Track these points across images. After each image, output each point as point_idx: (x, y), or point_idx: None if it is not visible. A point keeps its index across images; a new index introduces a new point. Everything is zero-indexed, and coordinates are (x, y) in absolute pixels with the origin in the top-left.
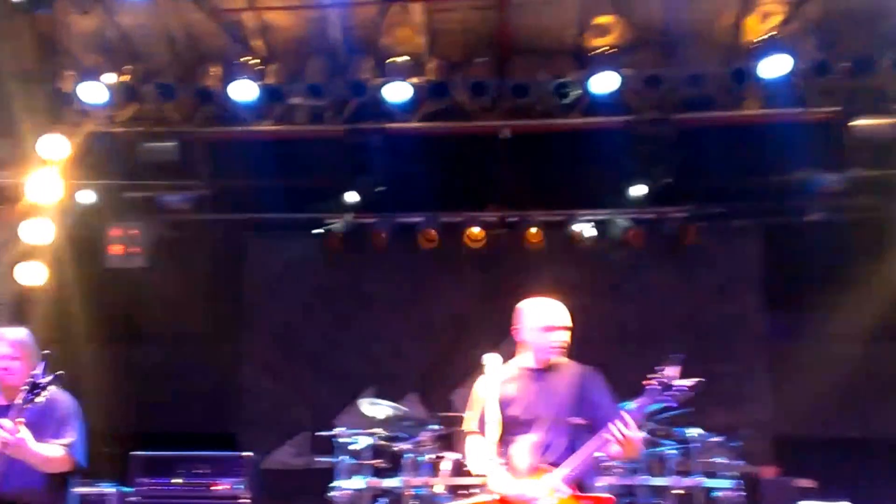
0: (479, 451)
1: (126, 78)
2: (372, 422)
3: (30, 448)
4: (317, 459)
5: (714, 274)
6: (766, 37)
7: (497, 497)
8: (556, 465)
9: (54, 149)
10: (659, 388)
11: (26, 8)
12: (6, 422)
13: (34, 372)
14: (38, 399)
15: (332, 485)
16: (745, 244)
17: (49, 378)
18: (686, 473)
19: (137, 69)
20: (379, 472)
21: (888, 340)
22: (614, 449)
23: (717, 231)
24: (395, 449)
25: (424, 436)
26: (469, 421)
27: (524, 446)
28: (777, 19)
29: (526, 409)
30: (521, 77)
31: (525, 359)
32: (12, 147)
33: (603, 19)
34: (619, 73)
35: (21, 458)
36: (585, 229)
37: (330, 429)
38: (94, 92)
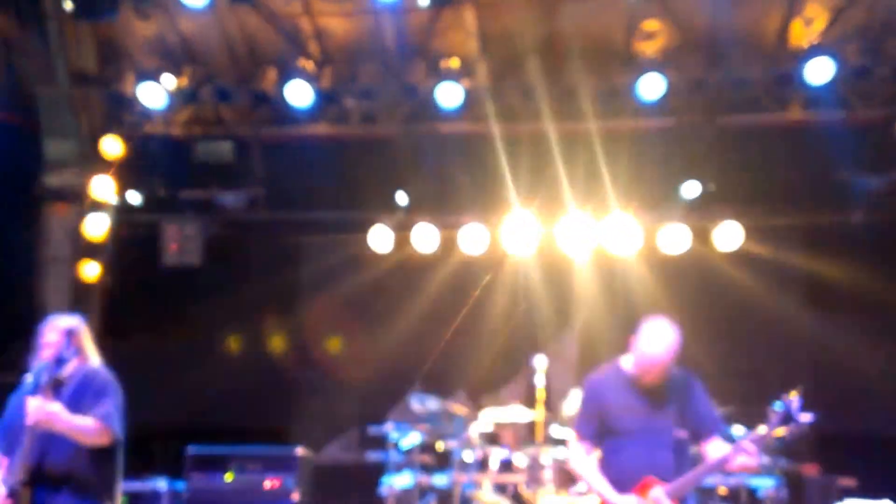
0: (583, 457)
1: (184, 81)
2: (421, 418)
3: (63, 420)
4: (366, 455)
5: (758, 276)
6: (810, 42)
7: None
8: (660, 479)
9: (113, 149)
10: (779, 416)
11: (92, 16)
12: (35, 400)
13: (61, 350)
14: (61, 373)
15: (381, 481)
16: (787, 244)
17: (72, 352)
18: (730, 472)
19: (196, 72)
20: (427, 469)
21: None
22: (730, 468)
23: (760, 232)
24: (444, 445)
25: (472, 432)
26: (576, 424)
27: (628, 458)
28: (821, 24)
29: (631, 419)
30: (570, 80)
31: (631, 365)
32: (73, 147)
33: (651, 24)
34: (665, 76)
35: (57, 431)
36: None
37: (380, 424)
38: (154, 94)
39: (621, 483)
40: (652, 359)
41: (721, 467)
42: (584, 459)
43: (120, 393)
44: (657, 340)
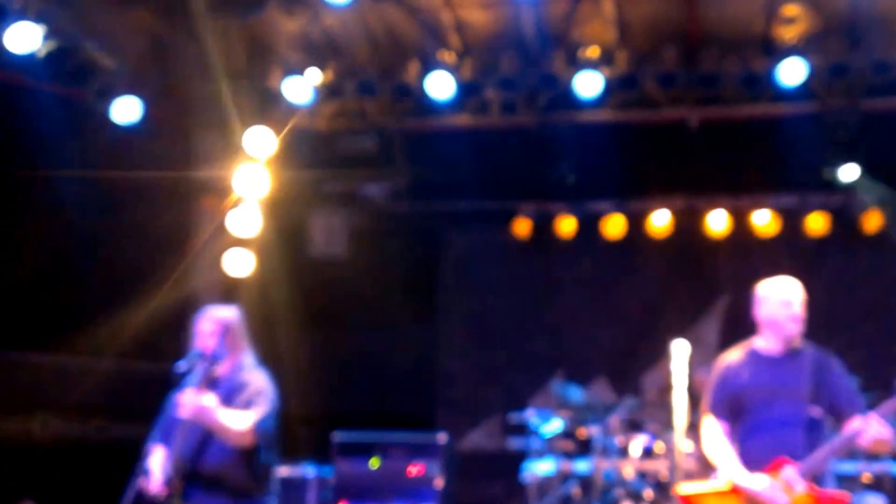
0: (714, 435)
1: (329, 75)
2: (562, 405)
3: (213, 415)
4: (509, 442)
5: None
6: None
7: (729, 486)
8: (793, 458)
9: (261, 143)
10: None
11: (239, 13)
12: (188, 393)
13: (217, 347)
14: (213, 372)
15: (523, 467)
16: None
17: (226, 349)
18: (874, 458)
19: (339, 67)
20: (569, 455)
21: None
22: (863, 443)
23: None
24: (585, 432)
25: (613, 419)
26: (706, 402)
27: (760, 437)
28: None
29: (763, 397)
30: (709, 67)
31: (764, 341)
32: (222, 141)
33: (790, 9)
34: (806, 62)
35: (206, 424)
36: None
37: (521, 411)
38: (299, 89)
39: (754, 463)
40: (777, 318)
41: (852, 442)
42: (716, 439)
43: (274, 394)
44: (777, 297)
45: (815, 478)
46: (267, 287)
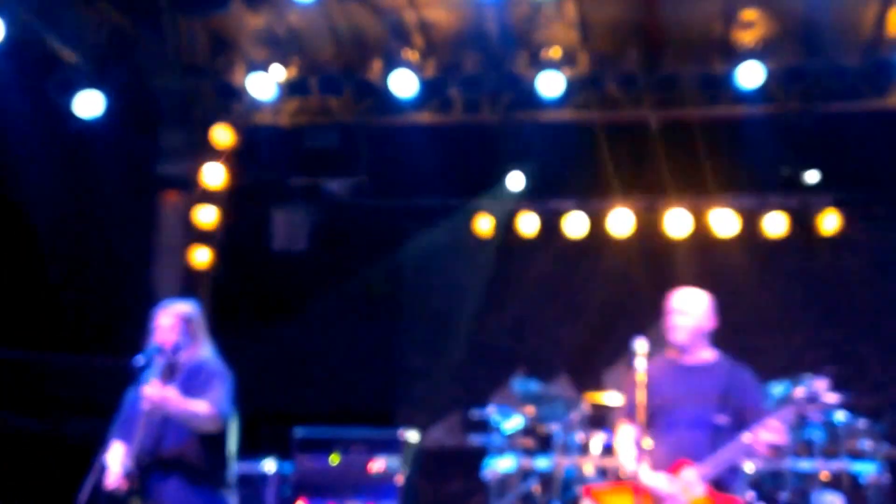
0: (624, 438)
1: (292, 72)
2: (523, 401)
3: (177, 404)
4: (469, 438)
5: (857, 259)
6: None
7: (632, 485)
8: (695, 461)
9: (223, 138)
10: (805, 399)
11: (203, 9)
12: (150, 384)
13: (178, 339)
14: (178, 364)
15: (483, 464)
16: (887, 230)
17: (188, 340)
18: (832, 456)
19: (303, 63)
20: (529, 452)
21: None
22: (759, 448)
23: (861, 217)
24: (546, 429)
25: (574, 416)
26: (620, 407)
27: (667, 440)
28: None
29: (670, 402)
30: (669, 69)
31: (671, 349)
32: (185, 137)
33: (748, 13)
34: (764, 65)
35: (171, 414)
36: None
37: (482, 408)
38: (262, 85)
39: (660, 464)
40: (679, 327)
41: (749, 447)
42: (626, 442)
43: (231, 381)
44: (668, 307)
45: (720, 481)
46: (228, 282)
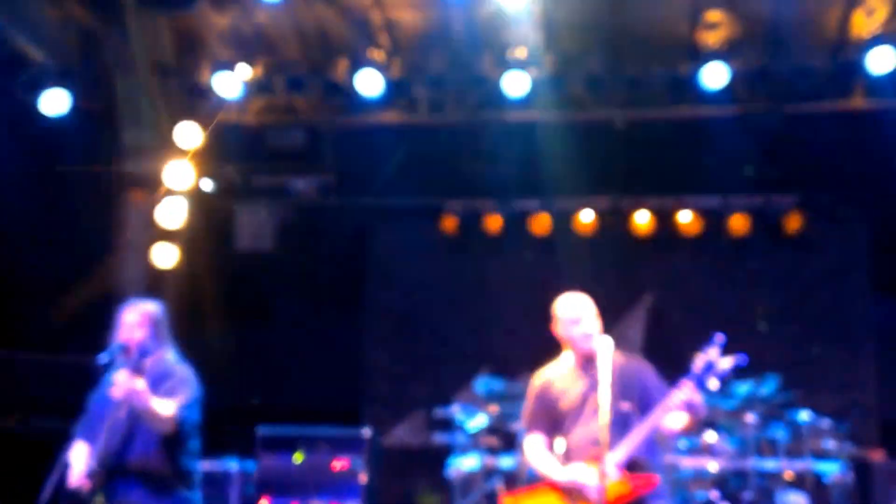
0: (534, 447)
1: (258, 71)
2: (488, 400)
3: (146, 399)
4: (434, 437)
5: (821, 260)
6: (872, 32)
7: (547, 485)
8: (609, 450)
9: (189, 137)
10: (702, 368)
11: (169, 8)
12: (121, 374)
13: (146, 339)
14: (145, 364)
15: (447, 463)
16: (851, 231)
17: (161, 346)
18: (796, 456)
19: (269, 62)
20: (493, 451)
21: None
22: (674, 421)
23: (824, 218)
24: (510, 428)
25: None
26: (525, 417)
27: (576, 438)
28: (882, 15)
29: (577, 400)
30: (634, 70)
31: (568, 353)
32: (150, 135)
33: (713, 14)
34: (729, 66)
35: (135, 406)
36: None
37: (447, 407)
38: (229, 84)
39: (576, 459)
40: (571, 337)
41: (660, 420)
42: (536, 450)
43: (197, 386)
44: (567, 316)
45: (636, 462)
46: (193, 280)
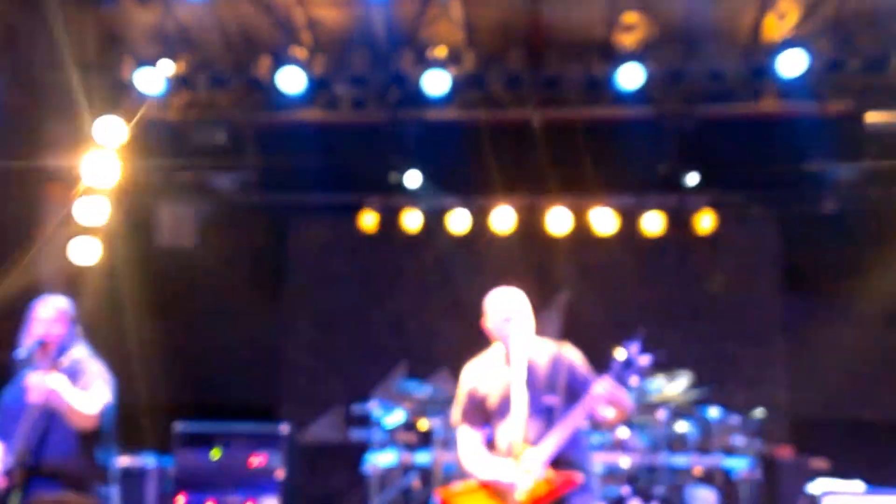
0: (466, 442)
1: (181, 67)
2: (405, 397)
3: (62, 396)
4: (351, 433)
5: (733, 259)
6: (783, 36)
7: (478, 482)
8: (533, 444)
9: (111, 132)
10: (621, 363)
11: (92, 3)
12: (35, 375)
13: (63, 335)
14: (62, 361)
15: (365, 459)
16: (763, 231)
17: (75, 342)
18: (705, 452)
19: (192, 59)
20: (410, 447)
21: None
22: (602, 413)
23: (736, 218)
24: (427, 424)
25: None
26: (455, 413)
27: (504, 432)
28: (794, 18)
29: (504, 395)
30: (552, 70)
31: (497, 347)
32: (71, 130)
33: (630, 16)
34: (644, 67)
35: (53, 404)
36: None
37: (365, 403)
38: (151, 80)
39: (504, 454)
40: (500, 332)
41: (582, 414)
42: (468, 445)
43: (111, 381)
44: (497, 311)
45: (562, 458)
46: (114, 276)
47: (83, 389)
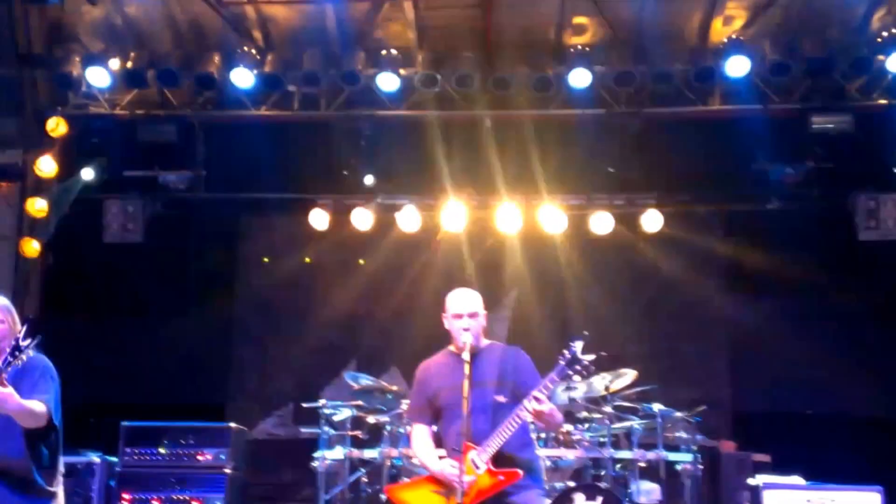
0: (417, 438)
1: (130, 64)
2: (354, 394)
3: (15, 400)
4: (300, 430)
5: (679, 258)
6: (729, 39)
7: (425, 477)
8: (480, 442)
9: (58, 129)
10: (566, 362)
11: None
12: None
13: (17, 335)
14: (17, 361)
15: (314, 455)
16: (708, 230)
17: (29, 342)
18: (650, 447)
19: (141, 56)
20: (359, 443)
21: (836, 321)
22: (537, 421)
23: (682, 217)
24: (376, 421)
25: (404, 408)
26: (410, 409)
27: (455, 427)
28: (740, 23)
29: (454, 393)
30: (503, 71)
31: (451, 347)
32: (18, 126)
33: (580, 19)
34: (593, 69)
35: (6, 411)
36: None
37: (314, 400)
38: (99, 76)
39: (453, 450)
40: (451, 330)
41: (518, 418)
42: (418, 441)
43: (58, 380)
44: (450, 311)
45: (505, 456)
46: (61, 273)
47: (32, 388)
